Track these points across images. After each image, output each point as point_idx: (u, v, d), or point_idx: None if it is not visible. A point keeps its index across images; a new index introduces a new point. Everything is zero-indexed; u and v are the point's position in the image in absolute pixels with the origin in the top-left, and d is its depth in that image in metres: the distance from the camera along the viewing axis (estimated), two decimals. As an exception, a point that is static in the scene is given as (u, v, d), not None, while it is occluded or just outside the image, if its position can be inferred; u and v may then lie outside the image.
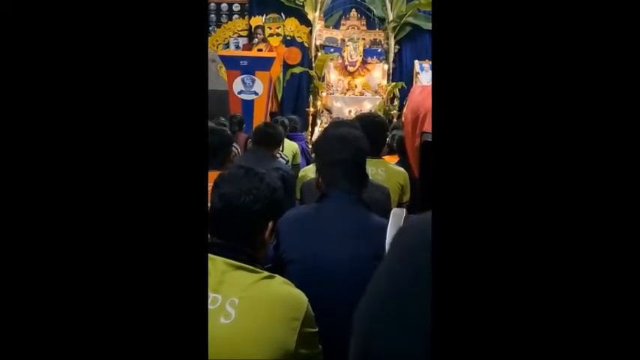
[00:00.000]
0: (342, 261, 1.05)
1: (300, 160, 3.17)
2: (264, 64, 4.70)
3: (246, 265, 0.83)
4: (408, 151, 0.84)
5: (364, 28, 6.11)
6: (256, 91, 4.59)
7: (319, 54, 5.87)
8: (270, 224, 0.91)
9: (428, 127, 0.72)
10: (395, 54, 6.06)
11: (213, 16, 6.04)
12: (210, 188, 0.93)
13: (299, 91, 6.14)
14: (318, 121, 5.51)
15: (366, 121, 1.77)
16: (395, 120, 4.90)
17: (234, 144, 2.78)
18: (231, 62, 4.70)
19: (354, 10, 6.11)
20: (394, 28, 5.98)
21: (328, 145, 1.16)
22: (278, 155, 2.43)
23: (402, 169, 1.83)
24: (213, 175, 1.14)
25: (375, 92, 5.77)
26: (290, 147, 3.09)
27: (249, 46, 5.89)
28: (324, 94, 5.68)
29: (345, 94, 5.76)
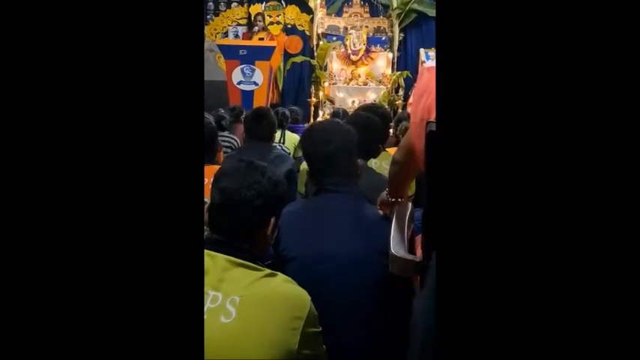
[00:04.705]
0: (344, 258, 1.03)
1: (301, 152, 3.06)
2: (264, 53, 4.66)
3: (247, 263, 0.81)
4: (415, 143, 0.79)
5: (367, 15, 6.10)
6: (256, 82, 4.54)
7: (321, 42, 5.84)
8: (272, 220, 0.88)
9: (434, 114, 0.69)
10: (399, 42, 6.03)
11: (211, 4, 6.04)
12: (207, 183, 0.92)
13: (300, 81, 6.12)
14: (321, 112, 5.44)
15: (369, 112, 1.75)
16: (400, 110, 4.80)
17: (233, 136, 2.70)
18: (230, 52, 4.65)
19: (356, -4, 6.04)
20: (398, 15, 5.93)
21: (315, 141, 1.15)
22: (275, 144, 2.35)
23: (406, 162, 1.76)
24: (207, 170, 1.06)
25: (379, 82, 5.72)
26: (291, 139, 3.01)
27: (248, 35, 5.83)
28: (326, 84, 5.63)
29: (348, 83, 5.72)
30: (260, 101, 4.45)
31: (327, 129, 1.17)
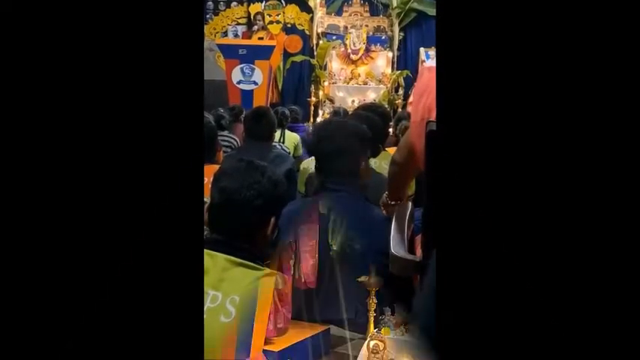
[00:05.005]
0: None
1: (301, 151, 3.08)
2: (264, 52, 4.66)
3: (247, 262, 0.82)
4: (415, 142, 0.79)
5: (367, 14, 6.08)
6: (256, 81, 4.53)
7: (321, 42, 5.82)
8: (272, 220, 0.88)
9: (434, 113, 0.69)
10: (399, 41, 6.01)
11: (210, 3, 6.02)
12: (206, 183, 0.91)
13: (300, 80, 6.10)
14: (320, 112, 5.43)
15: (368, 111, 1.78)
16: (400, 110, 4.80)
17: (233, 136, 2.70)
18: (229, 51, 4.65)
19: (356, -5, 6.03)
20: (398, 14, 5.92)
21: (319, 139, 1.16)
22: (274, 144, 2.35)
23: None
24: (206, 169, 1.06)
25: (379, 81, 5.70)
26: (291, 138, 3.02)
27: (248, 34, 5.81)
28: (326, 83, 5.62)
29: (348, 83, 5.71)
30: (260, 101, 4.44)
31: (331, 128, 1.18)
